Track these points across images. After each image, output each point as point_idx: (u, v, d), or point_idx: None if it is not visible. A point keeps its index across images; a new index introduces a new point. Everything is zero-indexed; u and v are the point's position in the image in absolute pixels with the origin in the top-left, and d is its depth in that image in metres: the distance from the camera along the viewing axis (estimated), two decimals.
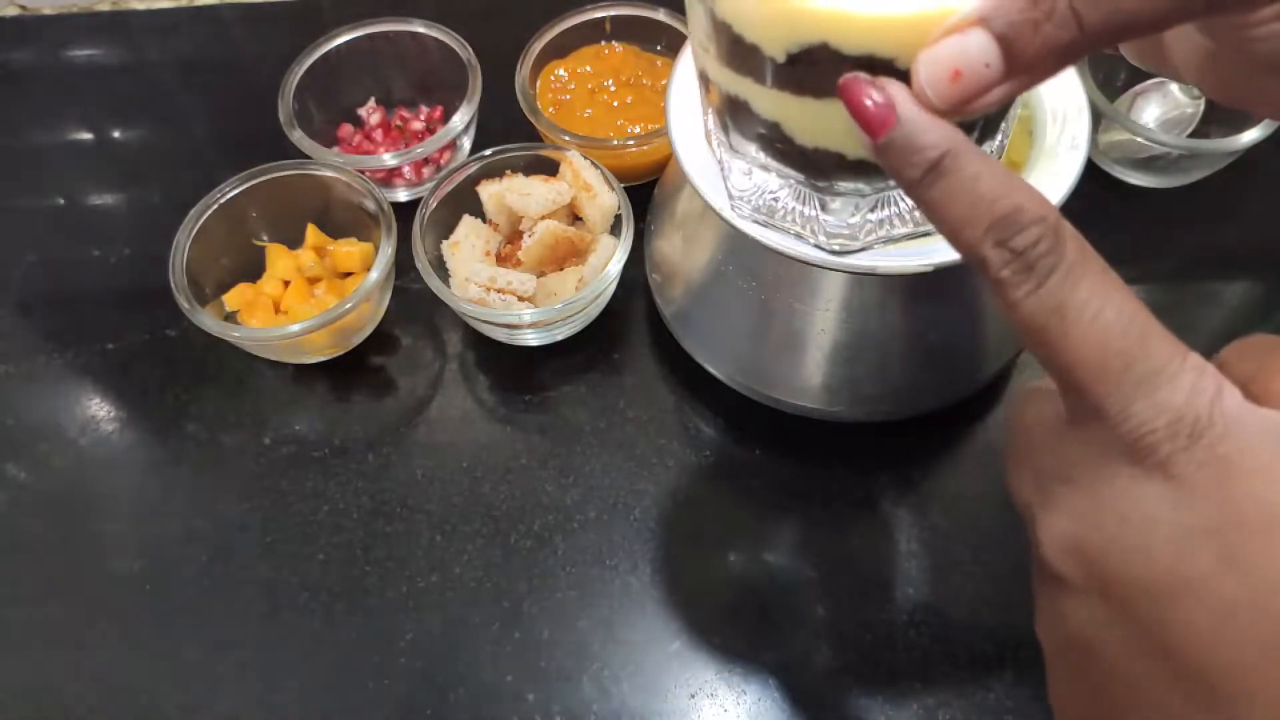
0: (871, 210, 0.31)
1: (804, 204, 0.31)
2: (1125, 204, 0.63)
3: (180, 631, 0.51)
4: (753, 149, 0.30)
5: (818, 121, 0.27)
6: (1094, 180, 0.63)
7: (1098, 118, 0.58)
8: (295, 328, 0.53)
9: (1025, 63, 0.22)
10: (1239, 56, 0.25)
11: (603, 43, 0.66)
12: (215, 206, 0.57)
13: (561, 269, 0.57)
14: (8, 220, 0.67)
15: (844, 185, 0.29)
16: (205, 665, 0.49)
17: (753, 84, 0.27)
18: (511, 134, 0.61)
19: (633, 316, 0.60)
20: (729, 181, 0.33)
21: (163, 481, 0.56)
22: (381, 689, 0.48)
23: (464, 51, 0.64)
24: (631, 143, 0.60)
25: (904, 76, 0.23)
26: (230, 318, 0.58)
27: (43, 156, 0.70)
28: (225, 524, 0.54)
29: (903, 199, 0.31)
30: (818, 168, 0.29)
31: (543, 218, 0.57)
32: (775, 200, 0.32)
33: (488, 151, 0.59)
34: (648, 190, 0.59)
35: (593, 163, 0.58)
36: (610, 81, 0.65)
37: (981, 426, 0.55)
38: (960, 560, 0.51)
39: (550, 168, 0.60)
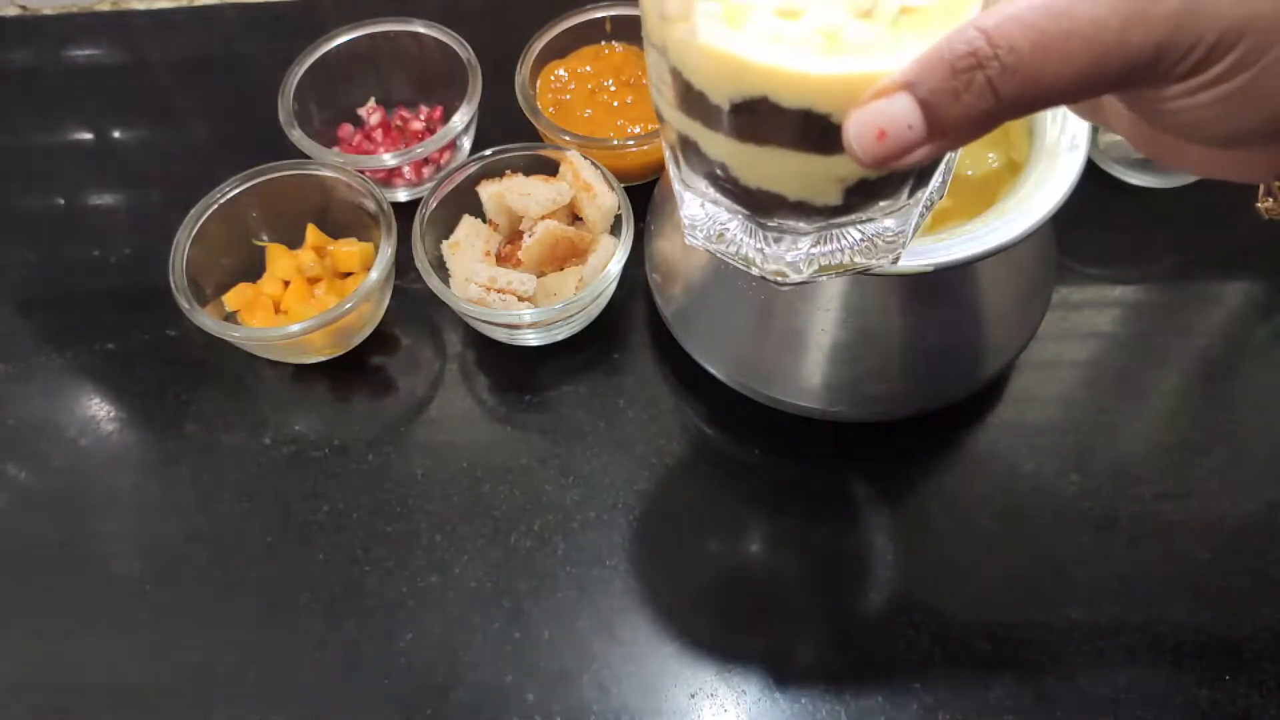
0: (815, 245, 0.32)
1: (751, 237, 0.33)
2: (1125, 204, 0.63)
3: (180, 631, 0.51)
4: (703, 184, 0.32)
5: (759, 165, 0.29)
6: (1094, 180, 0.63)
7: None
8: (295, 328, 0.53)
9: (945, 127, 0.23)
10: (1157, 126, 0.27)
11: (603, 43, 0.66)
12: (215, 206, 0.57)
13: (561, 269, 0.57)
14: (8, 220, 0.67)
15: (786, 222, 0.31)
16: (205, 665, 0.49)
17: (702, 127, 0.29)
18: (511, 134, 0.61)
19: (633, 316, 0.60)
20: (684, 209, 0.35)
21: (163, 481, 0.56)
22: (381, 689, 0.48)
23: (464, 51, 0.64)
24: (631, 143, 0.60)
25: (837, 130, 0.25)
26: (230, 318, 0.58)
27: (43, 156, 0.70)
28: (225, 524, 0.54)
29: (846, 234, 0.32)
30: (761, 206, 0.31)
31: (543, 218, 0.57)
32: (725, 230, 0.34)
33: (488, 151, 0.59)
34: (648, 190, 0.59)
35: (593, 163, 0.58)
36: (610, 81, 0.65)
37: (982, 426, 0.55)
38: (960, 560, 0.51)
39: (550, 168, 0.60)
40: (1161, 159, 0.30)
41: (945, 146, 0.24)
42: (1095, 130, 0.55)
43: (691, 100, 0.28)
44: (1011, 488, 0.53)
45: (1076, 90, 0.23)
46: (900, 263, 0.42)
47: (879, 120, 0.24)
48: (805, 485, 0.53)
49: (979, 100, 0.23)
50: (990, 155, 0.51)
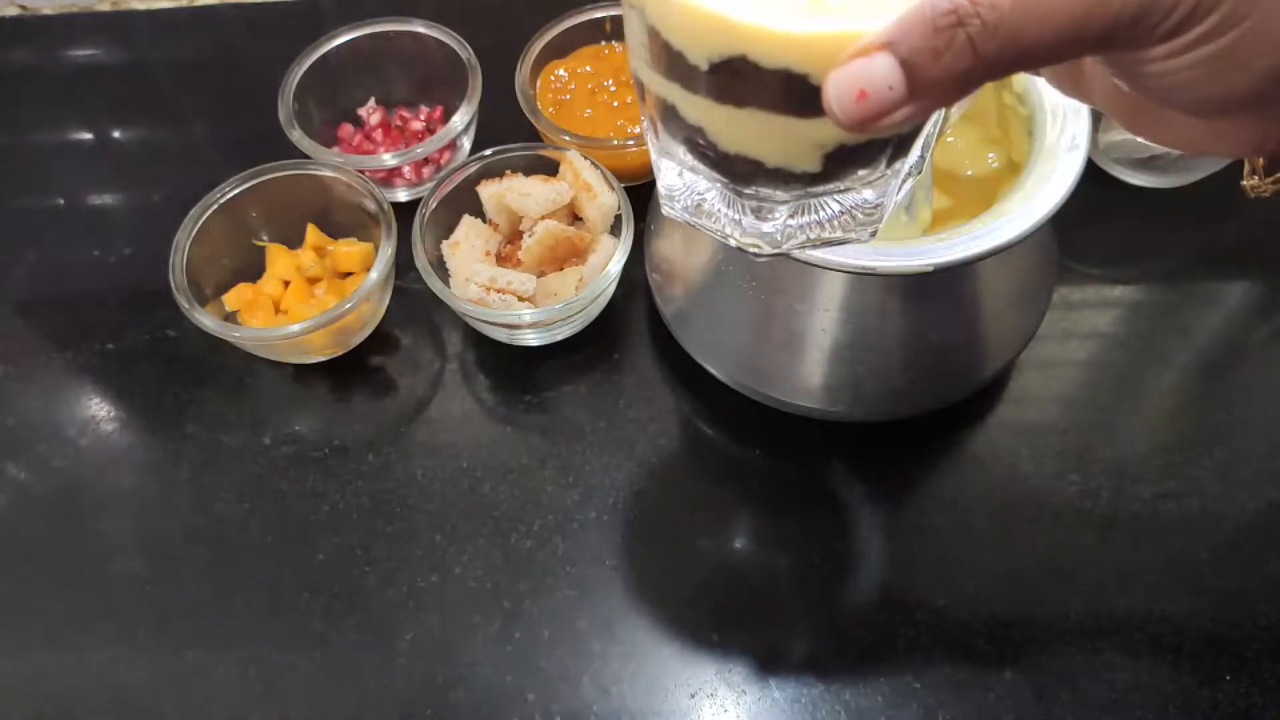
0: (792, 216, 0.32)
1: (729, 206, 0.33)
2: (1125, 204, 0.63)
3: (180, 631, 0.51)
4: (680, 151, 0.32)
5: (737, 129, 0.29)
6: (1094, 180, 0.63)
7: (1098, 117, 0.58)
8: (295, 328, 0.53)
9: (926, 87, 0.23)
10: (1139, 90, 0.27)
11: (603, 43, 0.66)
12: (215, 206, 0.57)
13: (561, 269, 0.57)
14: (8, 220, 0.67)
15: (763, 190, 0.31)
16: (205, 665, 0.49)
17: (680, 89, 0.28)
18: (511, 134, 0.61)
19: (633, 316, 0.60)
20: (661, 179, 0.34)
21: (163, 481, 0.56)
22: (381, 689, 0.48)
23: (464, 51, 0.64)
24: (631, 143, 0.60)
25: (817, 91, 0.25)
26: (230, 318, 0.58)
27: (43, 156, 0.70)
28: (225, 524, 0.54)
29: (824, 205, 0.32)
30: (739, 173, 0.30)
31: (543, 218, 0.57)
32: (703, 200, 0.33)
33: (488, 151, 0.59)
34: (648, 190, 0.59)
35: (593, 163, 0.58)
36: (610, 81, 0.65)
37: (982, 426, 0.55)
38: (960, 560, 0.51)
39: (550, 168, 0.60)
40: (1145, 133, 0.29)
41: (927, 107, 0.24)
42: (1095, 130, 0.55)
43: (670, 61, 0.28)
44: (1011, 488, 0.53)
45: (1058, 50, 0.23)
46: (900, 263, 0.42)
47: (859, 80, 0.23)
48: (805, 485, 0.53)
49: (959, 59, 0.23)
50: (990, 155, 0.51)
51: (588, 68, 0.65)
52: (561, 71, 0.65)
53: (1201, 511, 0.52)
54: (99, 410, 0.58)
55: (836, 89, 0.24)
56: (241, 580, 0.52)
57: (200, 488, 0.55)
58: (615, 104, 0.64)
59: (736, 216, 0.33)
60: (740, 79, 0.26)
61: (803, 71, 0.25)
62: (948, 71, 0.23)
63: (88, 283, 0.64)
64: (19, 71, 0.75)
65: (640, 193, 0.60)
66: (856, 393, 0.51)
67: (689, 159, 0.32)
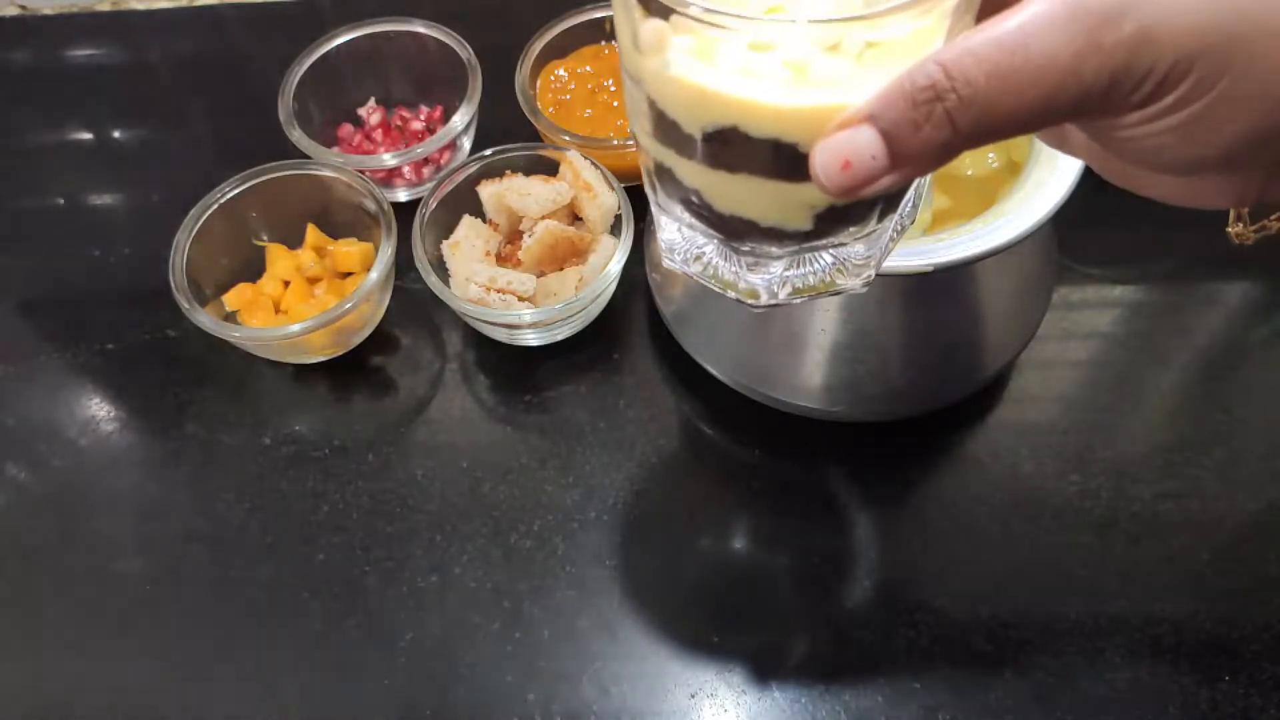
0: (787, 269, 0.34)
1: (726, 261, 0.34)
2: (1125, 204, 0.62)
3: (180, 631, 0.51)
4: (678, 209, 0.33)
5: (731, 192, 0.30)
6: (1094, 180, 0.63)
7: None
8: (295, 328, 0.53)
9: (907, 157, 0.24)
10: (1114, 153, 0.28)
11: (603, 43, 0.66)
12: (215, 206, 0.57)
13: (561, 269, 0.57)
14: (8, 220, 0.67)
15: (759, 248, 0.33)
16: (205, 665, 0.49)
17: (676, 155, 0.30)
18: (511, 134, 0.61)
19: (633, 316, 0.60)
20: (662, 234, 0.36)
21: (163, 481, 0.56)
22: (381, 689, 0.48)
23: (464, 51, 0.64)
24: (631, 143, 0.60)
25: (805, 159, 0.26)
26: (230, 318, 0.58)
27: (43, 156, 0.70)
28: (225, 524, 0.54)
29: (818, 259, 0.34)
30: (734, 231, 0.32)
31: (543, 218, 0.57)
32: (702, 253, 0.35)
33: (488, 151, 0.59)
34: None
35: (593, 163, 0.58)
36: (610, 81, 0.65)
37: (982, 426, 0.55)
38: (960, 560, 0.51)
39: (550, 168, 0.60)
40: (1123, 184, 0.30)
41: (908, 175, 0.25)
42: None
43: (666, 129, 0.29)
44: (1011, 488, 0.53)
45: (1033, 120, 0.24)
46: (900, 263, 0.42)
47: (843, 151, 0.24)
48: (805, 485, 0.53)
49: (939, 131, 0.24)
50: (990, 155, 0.51)
51: (588, 68, 0.65)
52: (561, 71, 0.65)
53: (1201, 511, 0.52)
54: (99, 410, 0.58)
55: (822, 159, 0.25)
56: (241, 580, 0.52)
57: (200, 488, 0.55)
58: (615, 104, 0.64)
59: (734, 269, 0.34)
60: (732, 147, 0.28)
61: (791, 141, 0.27)
62: (928, 143, 0.24)
63: (88, 283, 0.64)
64: (19, 71, 0.75)
65: (640, 193, 0.60)
66: (856, 393, 0.51)
67: (686, 216, 0.33)
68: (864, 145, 0.24)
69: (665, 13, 0.25)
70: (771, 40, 0.25)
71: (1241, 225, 0.30)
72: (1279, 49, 0.22)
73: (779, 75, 0.25)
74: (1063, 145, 0.33)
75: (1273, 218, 0.29)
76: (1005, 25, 0.23)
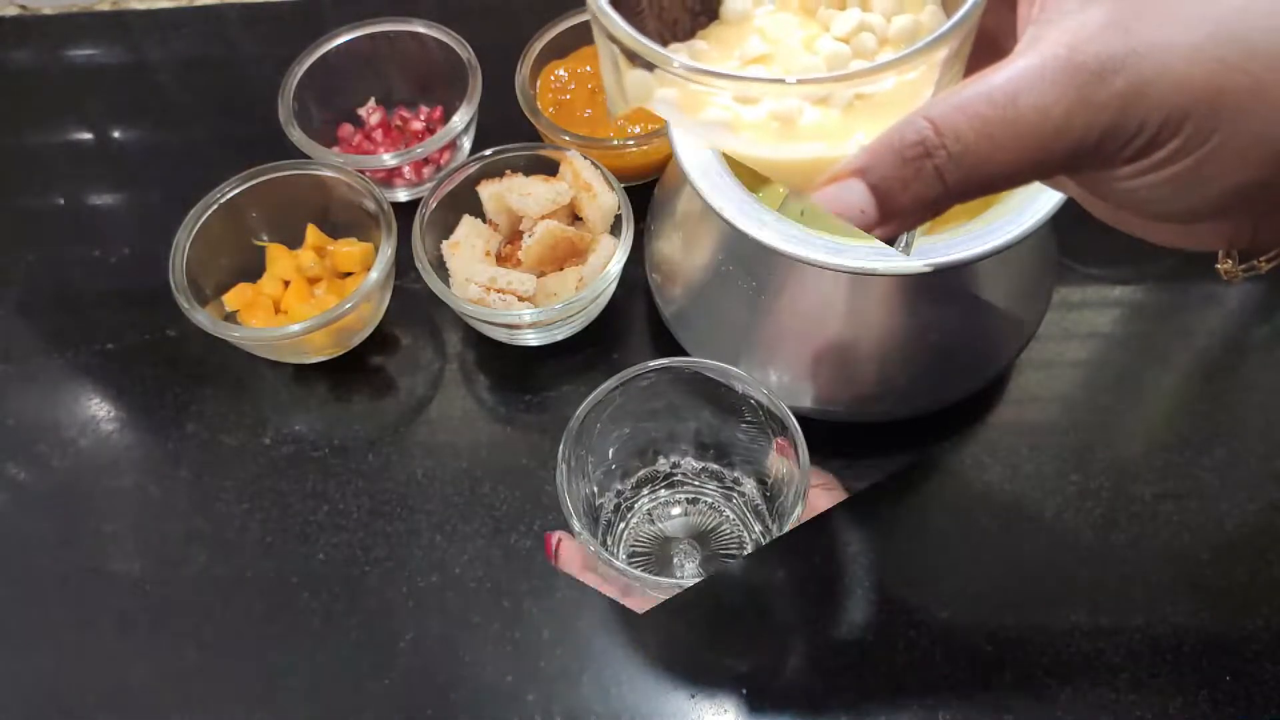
0: None
1: None
2: None
3: (180, 631, 0.51)
4: None
5: None
6: None
7: None
8: (295, 328, 0.53)
9: (896, 212, 0.24)
10: (1108, 201, 0.27)
11: None
12: (215, 206, 0.57)
13: (561, 269, 0.57)
14: (8, 220, 0.67)
15: None
16: (205, 665, 0.49)
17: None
18: (511, 134, 0.60)
19: (633, 316, 0.60)
20: None
21: (163, 481, 0.56)
22: (381, 689, 0.48)
23: (464, 51, 0.64)
24: (631, 143, 0.60)
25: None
26: (230, 318, 0.58)
27: (43, 156, 0.70)
28: (225, 524, 0.54)
29: None
30: None
31: (543, 218, 0.57)
32: None
33: (488, 151, 0.59)
34: (648, 190, 0.59)
35: (593, 163, 0.58)
36: None
37: (982, 427, 0.55)
38: (960, 560, 0.51)
39: (550, 168, 0.60)
40: (1116, 226, 0.30)
41: (898, 228, 0.25)
42: None
43: None
44: (1011, 488, 0.53)
45: (1023, 175, 0.23)
46: (900, 263, 0.42)
47: (833, 205, 0.24)
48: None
49: (927, 188, 0.23)
50: None
51: (588, 68, 0.65)
52: (561, 71, 0.65)
53: (1201, 511, 0.52)
54: (99, 410, 0.58)
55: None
56: (241, 580, 0.52)
57: (200, 488, 0.55)
58: None
59: None
60: None
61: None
62: (917, 199, 0.24)
63: (88, 283, 0.64)
64: (19, 71, 0.75)
65: (640, 193, 0.60)
66: (857, 393, 0.51)
67: None
68: (854, 200, 0.24)
69: (649, 66, 0.25)
70: (758, 93, 0.25)
71: (1230, 263, 0.30)
72: (1269, 104, 0.22)
73: (766, 128, 0.25)
74: (1053, 184, 0.33)
75: (1262, 259, 0.29)
76: (994, 80, 0.23)
